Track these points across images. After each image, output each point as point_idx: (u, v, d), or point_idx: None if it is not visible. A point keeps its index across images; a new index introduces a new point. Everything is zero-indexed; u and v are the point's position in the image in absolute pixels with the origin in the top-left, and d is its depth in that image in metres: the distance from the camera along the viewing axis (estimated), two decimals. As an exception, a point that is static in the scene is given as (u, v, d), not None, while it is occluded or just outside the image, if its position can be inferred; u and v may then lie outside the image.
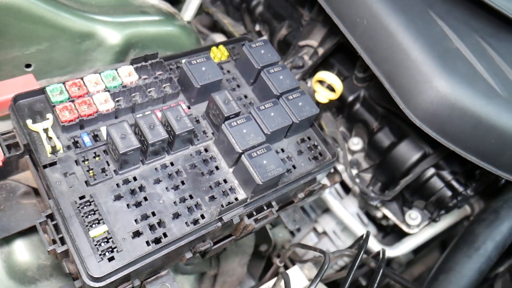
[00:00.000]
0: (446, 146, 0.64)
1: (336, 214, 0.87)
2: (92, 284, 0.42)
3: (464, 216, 0.89)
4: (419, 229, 0.83)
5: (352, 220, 0.87)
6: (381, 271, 0.59)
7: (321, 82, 0.79)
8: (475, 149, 0.64)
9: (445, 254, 0.80)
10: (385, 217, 0.87)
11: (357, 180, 0.85)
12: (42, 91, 0.50)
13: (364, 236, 0.62)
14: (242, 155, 0.50)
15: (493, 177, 0.79)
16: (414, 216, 0.81)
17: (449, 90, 0.62)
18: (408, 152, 0.77)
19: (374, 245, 0.85)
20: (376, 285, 0.58)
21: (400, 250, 0.85)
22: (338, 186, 0.98)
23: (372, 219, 0.95)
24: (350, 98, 0.86)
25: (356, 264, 0.58)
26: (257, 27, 1.04)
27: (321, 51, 0.84)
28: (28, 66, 0.61)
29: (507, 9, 0.68)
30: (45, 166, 0.47)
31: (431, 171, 0.76)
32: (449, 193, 0.76)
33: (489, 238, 0.79)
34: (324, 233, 0.95)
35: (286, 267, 0.73)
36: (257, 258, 0.86)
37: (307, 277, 0.66)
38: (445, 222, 0.87)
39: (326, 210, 0.98)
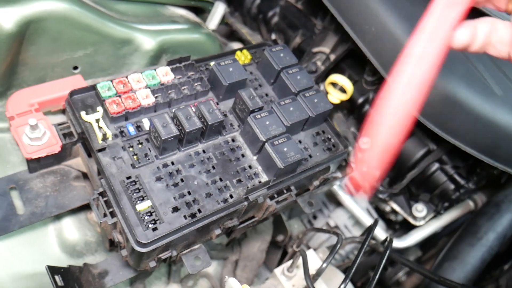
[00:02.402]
0: (448, 142, 0.70)
1: (348, 208, 0.94)
2: (139, 249, 0.49)
3: (468, 211, 0.95)
4: (425, 221, 0.89)
5: (362, 214, 0.93)
6: (388, 252, 0.65)
7: (333, 84, 0.86)
8: (474, 143, 0.70)
9: (449, 243, 0.86)
10: (393, 211, 0.93)
11: (367, 176, 0.91)
12: (93, 87, 0.58)
13: (373, 222, 0.69)
14: (266, 143, 0.57)
15: (493, 172, 0.85)
16: (420, 208, 0.88)
17: (450, 90, 0.68)
18: (413, 148, 0.83)
19: (383, 236, 0.91)
20: (381, 267, 0.64)
21: (407, 241, 0.91)
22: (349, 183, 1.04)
23: (381, 214, 1.01)
24: (360, 100, 0.93)
25: (365, 246, 0.64)
26: (273, 36, 1.12)
27: (333, 57, 0.92)
28: (75, 68, 0.69)
29: (502, 15, 0.75)
30: (98, 151, 0.55)
31: (435, 165, 0.83)
32: (452, 186, 0.82)
33: (491, 229, 0.85)
34: (336, 227, 1.01)
35: (302, 252, 0.79)
36: (274, 248, 0.93)
37: (321, 260, 0.72)
38: (450, 216, 0.93)
39: (338, 205, 1.04)
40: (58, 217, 0.61)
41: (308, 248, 0.97)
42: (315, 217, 1.05)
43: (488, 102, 0.69)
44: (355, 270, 0.61)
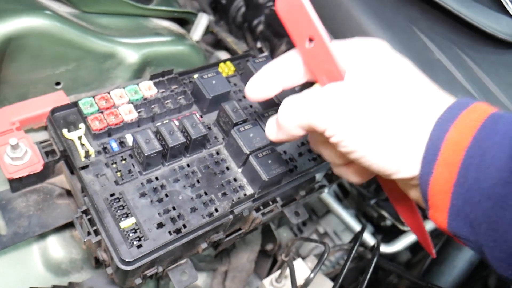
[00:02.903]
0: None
1: (337, 214, 0.94)
2: (124, 267, 0.49)
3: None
4: (413, 226, 0.90)
5: (351, 220, 0.94)
6: (375, 259, 0.65)
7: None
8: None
9: (437, 247, 0.86)
10: (381, 216, 0.93)
11: (355, 183, 0.91)
12: (75, 104, 0.58)
13: (361, 230, 0.69)
14: (250, 156, 0.57)
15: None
16: (407, 214, 0.88)
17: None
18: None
19: (371, 242, 0.92)
20: (369, 274, 0.64)
21: (396, 247, 0.92)
22: (337, 189, 1.05)
23: (370, 220, 1.02)
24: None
25: (354, 251, 0.64)
26: (259, 44, 1.12)
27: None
28: (58, 84, 0.69)
29: (483, 24, 0.76)
30: (80, 169, 0.54)
31: (421, 171, 0.83)
32: (438, 191, 0.83)
33: (478, 232, 0.86)
34: (326, 233, 1.02)
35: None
36: (263, 257, 0.93)
37: (309, 269, 0.73)
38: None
39: (327, 212, 1.05)
40: (42, 235, 0.61)
41: (298, 255, 0.97)
42: (304, 224, 1.05)
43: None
44: (345, 276, 0.62)
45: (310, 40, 0.39)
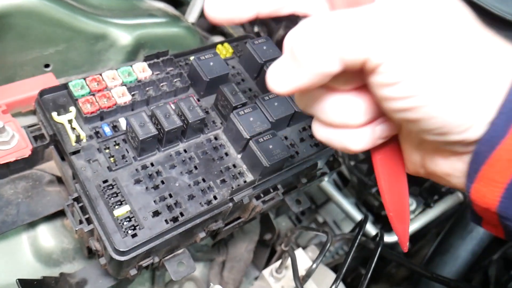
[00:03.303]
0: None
1: (336, 202, 0.92)
2: (118, 257, 0.46)
3: (458, 202, 0.93)
4: (415, 215, 0.88)
5: (351, 208, 0.92)
6: (379, 249, 0.63)
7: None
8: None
9: (440, 237, 0.84)
10: (381, 205, 0.91)
11: (355, 170, 0.89)
12: (64, 86, 0.55)
13: (363, 219, 0.67)
14: (250, 141, 0.54)
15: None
16: (409, 202, 0.86)
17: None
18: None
19: (373, 232, 0.90)
20: (374, 264, 0.62)
21: (395, 236, 0.90)
22: (337, 178, 1.02)
23: (370, 208, 1.00)
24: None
25: (356, 242, 0.62)
26: (256, 29, 1.09)
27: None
28: (47, 66, 0.66)
29: (488, 3, 0.73)
30: (71, 154, 0.51)
31: (424, 158, 0.81)
32: (441, 179, 0.81)
33: (481, 221, 0.84)
34: (325, 222, 1.00)
35: (290, 251, 0.77)
36: (261, 247, 0.90)
37: (310, 259, 0.70)
38: (439, 208, 0.91)
39: (326, 201, 1.03)
40: (31, 224, 0.58)
41: (297, 245, 0.95)
42: (303, 213, 1.03)
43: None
44: (341, 264, 0.60)
45: None
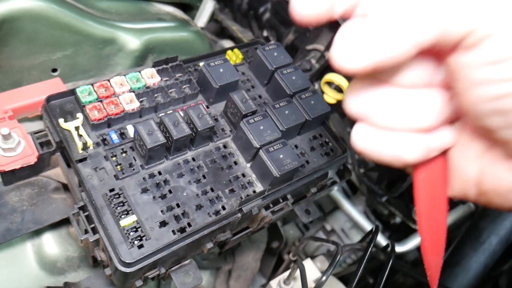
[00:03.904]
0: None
1: (345, 211, 0.90)
2: (123, 269, 0.45)
3: (469, 213, 0.92)
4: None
5: (360, 217, 0.90)
6: (390, 262, 0.61)
7: (329, 83, 0.82)
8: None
9: (451, 248, 0.82)
10: (391, 214, 0.90)
11: (364, 179, 0.88)
12: (72, 92, 0.54)
13: (374, 229, 0.65)
14: (260, 150, 0.53)
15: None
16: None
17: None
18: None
19: (382, 241, 0.88)
20: (385, 277, 0.60)
21: (407, 246, 0.88)
22: (346, 186, 1.01)
23: (379, 217, 0.98)
24: (357, 100, 0.89)
25: (367, 255, 0.61)
26: (265, 33, 1.07)
27: (328, 54, 0.88)
28: (54, 70, 0.65)
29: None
30: (77, 161, 0.50)
31: (436, 168, 0.79)
32: (453, 189, 0.79)
33: (493, 232, 0.82)
34: (333, 231, 0.98)
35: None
36: (268, 255, 0.89)
37: (319, 270, 0.69)
38: (450, 218, 0.89)
39: (334, 209, 1.01)
40: (36, 232, 0.57)
41: (305, 254, 0.94)
42: (311, 221, 1.01)
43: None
44: (353, 276, 0.58)
45: None
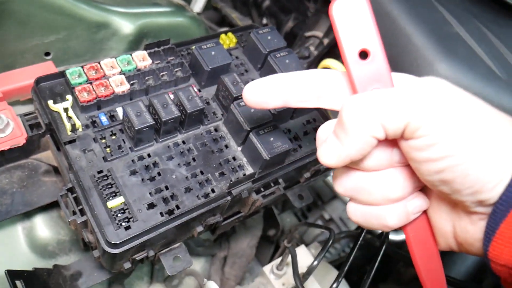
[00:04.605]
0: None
1: (343, 199, 0.89)
2: (110, 250, 0.45)
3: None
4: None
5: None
6: (383, 247, 0.61)
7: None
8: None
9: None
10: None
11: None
12: (62, 74, 0.53)
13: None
14: (250, 133, 0.53)
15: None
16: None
17: (449, 73, 0.64)
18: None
19: (380, 229, 0.87)
20: (377, 262, 0.60)
21: (403, 234, 0.87)
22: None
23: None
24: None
25: (360, 240, 0.60)
26: (264, 21, 1.06)
27: (326, 41, 0.87)
28: (47, 54, 0.65)
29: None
30: (65, 143, 0.50)
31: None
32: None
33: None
34: (331, 219, 0.97)
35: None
36: (265, 243, 0.89)
37: (313, 256, 0.68)
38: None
39: (333, 198, 1.00)
40: (27, 215, 0.57)
41: (302, 242, 0.93)
42: (309, 210, 1.01)
43: (491, 85, 0.64)
44: (351, 265, 0.57)
45: (362, 53, 0.34)
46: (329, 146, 0.34)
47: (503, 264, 0.32)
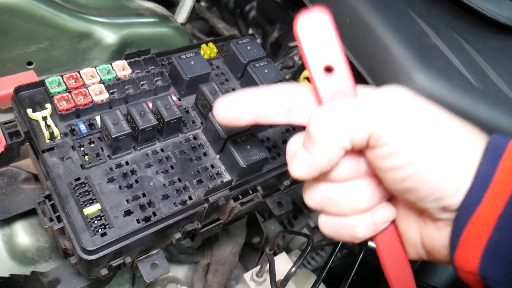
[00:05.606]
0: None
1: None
2: (85, 256, 0.45)
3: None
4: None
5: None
6: (361, 253, 0.61)
7: (307, 78, 0.82)
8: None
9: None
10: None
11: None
12: (41, 83, 0.54)
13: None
14: (227, 141, 0.53)
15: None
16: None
17: (427, 83, 0.65)
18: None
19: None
20: (355, 268, 0.60)
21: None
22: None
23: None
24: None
25: (338, 247, 0.61)
26: (251, 31, 1.08)
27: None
28: (29, 63, 0.65)
29: (484, 8, 0.72)
30: (43, 151, 0.51)
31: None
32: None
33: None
34: (316, 228, 0.98)
35: (275, 255, 0.76)
36: (251, 251, 0.89)
37: (293, 263, 0.69)
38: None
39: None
40: (7, 221, 0.57)
41: (288, 250, 0.94)
42: (295, 218, 1.01)
43: (468, 95, 0.65)
44: (336, 273, 0.58)
45: (327, 69, 0.35)
46: (299, 159, 0.34)
47: (468, 271, 0.32)
